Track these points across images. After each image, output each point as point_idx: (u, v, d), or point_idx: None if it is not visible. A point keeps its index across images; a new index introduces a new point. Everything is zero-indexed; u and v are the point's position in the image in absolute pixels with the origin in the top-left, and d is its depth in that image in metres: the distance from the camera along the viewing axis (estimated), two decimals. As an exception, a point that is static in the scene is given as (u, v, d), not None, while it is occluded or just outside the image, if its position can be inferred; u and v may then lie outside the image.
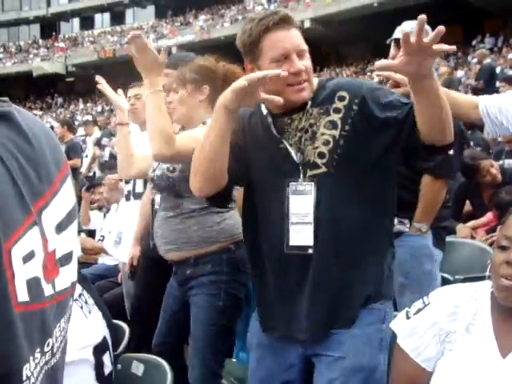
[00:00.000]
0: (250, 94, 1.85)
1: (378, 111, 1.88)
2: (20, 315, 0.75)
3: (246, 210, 2.17)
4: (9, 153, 0.75)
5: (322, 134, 1.94)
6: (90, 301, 2.31)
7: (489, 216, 4.61)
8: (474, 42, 25.94)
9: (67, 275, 0.85)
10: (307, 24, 30.24)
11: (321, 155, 1.94)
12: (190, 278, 2.76)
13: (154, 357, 2.38)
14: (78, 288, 2.32)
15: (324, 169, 1.94)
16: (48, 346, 0.82)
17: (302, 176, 1.94)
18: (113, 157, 8.51)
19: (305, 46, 1.97)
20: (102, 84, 3.24)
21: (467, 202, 5.01)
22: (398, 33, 2.98)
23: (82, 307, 2.26)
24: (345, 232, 1.94)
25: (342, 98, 1.95)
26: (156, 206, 2.93)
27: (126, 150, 3.19)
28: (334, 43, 32.57)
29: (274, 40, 1.91)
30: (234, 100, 1.85)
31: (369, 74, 19.14)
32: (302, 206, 1.93)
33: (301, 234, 1.92)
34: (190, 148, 2.18)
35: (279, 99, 1.83)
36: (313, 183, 1.92)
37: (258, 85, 1.82)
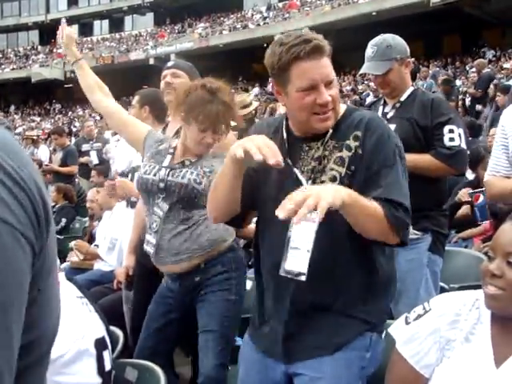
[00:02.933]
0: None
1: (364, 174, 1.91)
2: (58, 291, 0.92)
3: (257, 226, 2.18)
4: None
5: (331, 170, 1.94)
6: (90, 305, 2.34)
7: (485, 225, 4.62)
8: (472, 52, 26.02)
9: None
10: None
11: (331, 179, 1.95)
12: (200, 282, 2.81)
13: (148, 362, 2.37)
14: (78, 291, 2.35)
15: None
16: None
17: None
18: (102, 161, 8.50)
19: (333, 76, 1.96)
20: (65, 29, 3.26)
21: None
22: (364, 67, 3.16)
23: (83, 304, 2.29)
24: (338, 262, 1.95)
25: (356, 138, 1.95)
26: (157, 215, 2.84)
27: (88, 81, 3.25)
28: (332, 52, 32.62)
29: (303, 70, 1.88)
30: (235, 161, 1.83)
31: (366, 82, 19.16)
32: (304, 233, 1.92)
33: (297, 260, 1.92)
34: None
35: (279, 163, 1.73)
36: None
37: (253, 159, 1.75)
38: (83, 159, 8.94)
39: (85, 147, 9.11)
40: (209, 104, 2.63)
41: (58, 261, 0.94)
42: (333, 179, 1.93)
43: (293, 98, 1.91)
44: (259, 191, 2.06)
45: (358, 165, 1.92)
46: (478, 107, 10.99)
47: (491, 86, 10.22)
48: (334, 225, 1.84)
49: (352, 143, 1.94)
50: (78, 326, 2.20)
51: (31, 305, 0.79)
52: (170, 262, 2.80)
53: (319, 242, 1.69)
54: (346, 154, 1.94)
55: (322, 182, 1.94)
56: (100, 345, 2.26)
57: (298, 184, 1.92)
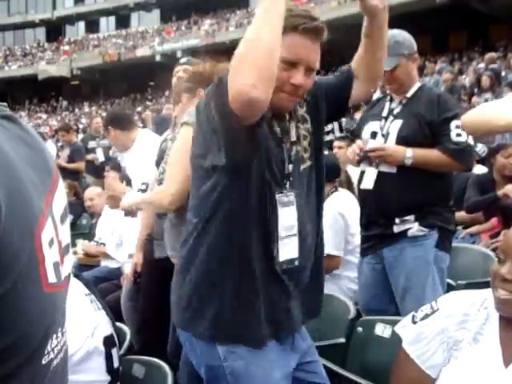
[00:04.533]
0: None
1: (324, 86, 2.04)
2: (49, 295, 0.85)
3: None
4: (22, 150, 0.83)
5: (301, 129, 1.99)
6: (97, 302, 2.35)
7: (493, 221, 4.60)
8: (479, 47, 25.90)
9: (68, 265, 0.92)
10: (312, 28, 30.28)
11: (305, 150, 1.99)
12: None
13: (155, 359, 2.38)
14: (85, 289, 2.35)
15: (308, 163, 1.99)
16: (64, 325, 0.90)
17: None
18: (108, 158, 8.48)
19: (317, 66, 1.89)
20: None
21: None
22: None
23: (92, 301, 2.30)
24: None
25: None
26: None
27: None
28: (338, 47, 32.56)
29: (295, 43, 1.81)
30: None
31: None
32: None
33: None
34: None
35: None
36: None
37: None
38: (89, 156, 8.93)
39: (91, 144, 9.10)
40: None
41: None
42: (304, 138, 1.99)
43: None
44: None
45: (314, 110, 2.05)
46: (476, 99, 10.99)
47: (484, 77, 10.19)
48: None
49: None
50: (87, 324, 2.21)
51: None
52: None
53: None
54: (302, 111, 2.02)
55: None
56: (109, 342, 2.27)
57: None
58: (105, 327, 2.29)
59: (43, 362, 0.85)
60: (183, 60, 3.51)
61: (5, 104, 0.87)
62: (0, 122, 0.83)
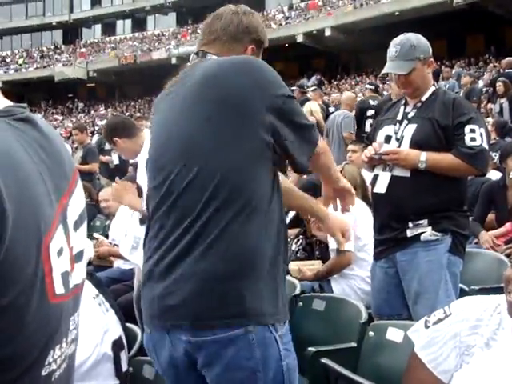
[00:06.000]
0: None
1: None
2: (54, 306, 0.83)
3: None
4: (37, 154, 0.81)
5: None
6: (106, 302, 2.35)
7: (507, 226, 4.57)
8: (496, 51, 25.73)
9: (80, 272, 0.91)
10: (328, 32, 30.25)
11: None
12: None
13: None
14: (94, 289, 2.36)
15: None
16: (71, 335, 0.89)
17: None
18: (123, 161, 8.46)
19: None
20: None
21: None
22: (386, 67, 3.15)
23: (100, 304, 2.30)
24: None
25: None
26: None
27: None
28: (354, 51, 32.51)
29: None
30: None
31: (388, 82, 19.04)
32: None
33: None
34: None
35: None
36: None
37: None
38: (104, 158, 8.94)
39: (107, 146, 9.12)
40: None
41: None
42: None
43: None
44: None
45: None
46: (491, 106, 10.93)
47: (498, 83, 10.11)
48: None
49: None
50: (96, 331, 2.21)
51: None
52: None
53: None
54: None
55: None
56: (117, 346, 2.27)
57: None
58: (114, 330, 2.29)
59: (43, 373, 0.82)
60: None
61: (24, 105, 0.86)
62: (16, 125, 0.81)
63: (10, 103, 0.85)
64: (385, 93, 15.77)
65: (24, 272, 0.77)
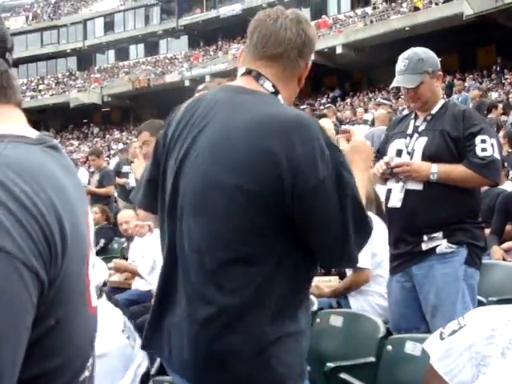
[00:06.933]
0: None
1: None
2: (93, 318, 0.91)
3: None
4: (68, 177, 0.88)
5: None
6: (133, 333, 2.35)
7: (525, 237, 4.54)
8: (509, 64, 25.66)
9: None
10: (339, 50, 30.36)
11: None
12: None
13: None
14: (121, 320, 2.35)
15: None
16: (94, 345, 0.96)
17: None
18: None
19: None
20: None
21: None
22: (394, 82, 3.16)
23: (128, 338, 2.28)
24: None
25: None
26: None
27: None
28: (365, 68, 32.57)
29: None
30: None
31: (402, 97, 19.05)
32: None
33: None
34: None
35: None
36: None
37: None
38: (121, 181, 9.03)
39: (125, 168, 9.18)
40: None
41: (95, 286, 0.95)
42: None
43: None
44: None
45: None
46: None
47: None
48: None
49: None
50: (129, 373, 2.20)
51: (47, 334, 0.79)
52: None
53: None
54: None
55: None
56: (145, 379, 2.27)
57: None
58: (143, 363, 2.28)
59: (80, 379, 0.89)
60: (201, 86, 3.53)
61: (50, 134, 0.93)
62: (50, 152, 0.87)
63: (37, 132, 0.90)
64: (399, 107, 15.80)
65: (77, 286, 0.84)
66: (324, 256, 1.64)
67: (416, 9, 29.17)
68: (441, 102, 3.15)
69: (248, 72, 1.71)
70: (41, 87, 45.66)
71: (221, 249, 1.56)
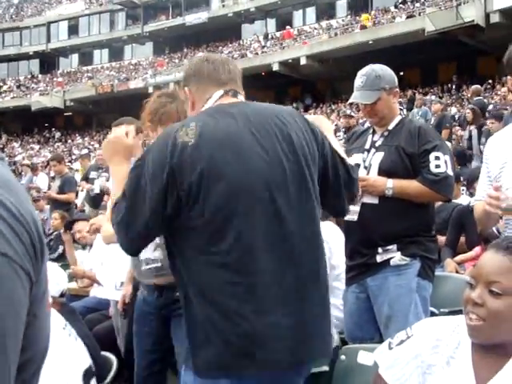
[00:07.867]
0: None
1: None
2: (48, 313, 0.96)
3: None
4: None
5: None
6: (73, 332, 2.36)
7: (477, 250, 4.65)
8: (467, 79, 26.24)
9: None
10: (303, 61, 30.62)
11: None
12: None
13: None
14: (63, 320, 2.38)
15: None
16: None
17: None
18: (102, 191, 8.51)
19: None
20: None
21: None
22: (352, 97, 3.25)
23: (70, 335, 2.32)
24: None
25: None
26: None
27: None
28: (329, 79, 32.90)
29: None
30: None
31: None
32: None
33: None
34: None
35: None
36: None
37: None
38: (86, 186, 8.99)
39: (92, 174, 9.13)
40: (168, 104, 2.79)
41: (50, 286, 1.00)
42: None
43: None
44: None
45: None
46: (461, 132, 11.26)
47: (468, 111, 10.46)
48: None
49: None
50: (68, 364, 2.21)
51: (26, 328, 0.84)
52: (155, 275, 2.84)
53: None
54: None
55: None
56: (87, 375, 2.28)
57: None
58: (83, 360, 2.29)
59: (37, 376, 0.94)
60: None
61: None
62: (4, 164, 0.92)
63: None
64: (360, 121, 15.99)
65: (44, 283, 0.91)
66: None
67: (363, 27, 29.64)
68: (397, 118, 3.24)
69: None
70: (1, 89, 44.83)
71: None
